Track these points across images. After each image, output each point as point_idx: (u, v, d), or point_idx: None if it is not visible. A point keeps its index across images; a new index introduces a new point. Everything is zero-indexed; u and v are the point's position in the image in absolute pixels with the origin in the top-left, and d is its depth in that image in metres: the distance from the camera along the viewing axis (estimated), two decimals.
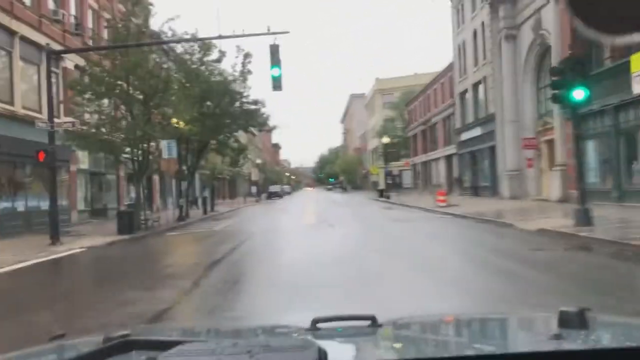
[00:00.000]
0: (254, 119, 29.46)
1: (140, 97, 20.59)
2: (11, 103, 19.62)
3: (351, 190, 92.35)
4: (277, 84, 16.76)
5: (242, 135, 41.12)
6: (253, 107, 29.47)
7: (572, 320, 1.41)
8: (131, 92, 20.17)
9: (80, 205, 26.05)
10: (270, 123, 31.37)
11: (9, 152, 18.83)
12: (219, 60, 27.62)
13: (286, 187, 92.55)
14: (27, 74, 20.86)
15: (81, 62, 22.12)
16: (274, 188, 73.83)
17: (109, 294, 7.60)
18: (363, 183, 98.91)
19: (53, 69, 22.82)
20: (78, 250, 15.33)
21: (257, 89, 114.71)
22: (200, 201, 35.93)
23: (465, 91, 38.31)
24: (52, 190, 16.91)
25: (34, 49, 20.59)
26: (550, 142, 26.75)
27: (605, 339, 1.53)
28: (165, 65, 23.93)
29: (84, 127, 19.48)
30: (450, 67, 42.37)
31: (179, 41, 22.04)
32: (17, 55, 20.05)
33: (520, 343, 1.65)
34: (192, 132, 25.57)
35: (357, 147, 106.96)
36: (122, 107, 20.90)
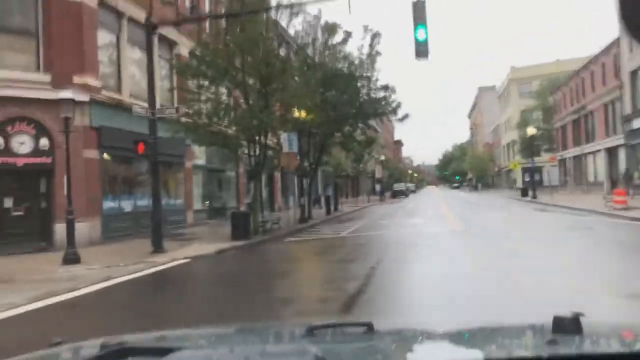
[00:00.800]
0: (383, 107, 25.70)
1: (257, 81, 17.78)
2: (118, 91, 17.62)
3: (482, 189, 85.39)
4: (422, 49, 12.81)
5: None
6: (382, 93, 25.81)
7: (567, 326, 1.40)
8: (246, 77, 17.39)
9: (197, 205, 24.00)
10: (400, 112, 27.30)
11: (114, 146, 16.73)
12: (344, 42, 24.40)
13: (411, 185, 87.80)
14: (135, 60, 18.81)
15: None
16: (398, 186, 69.67)
17: None
18: (495, 181, 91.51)
19: (165, 55, 20.91)
20: (181, 261, 12.66)
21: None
22: (323, 200, 33.02)
23: (639, 69, 31.54)
24: (154, 188, 14.40)
25: (143, 32, 18.45)
26: None
27: (600, 344, 1.49)
28: (283, 49, 21.05)
29: (195, 117, 16.94)
30: (614, 44, 35.51)
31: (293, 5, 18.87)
32: (125, 39, 18.05)
33: (515, 349, 1.57)
34: (314, 124, 22.44)
35: (487, 143, 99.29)
36: (237, 93, 18.21)
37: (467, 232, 16.85)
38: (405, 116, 25.89)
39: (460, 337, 1.81)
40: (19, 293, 8.74)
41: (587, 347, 1.40)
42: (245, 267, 11.93)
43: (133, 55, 18.72)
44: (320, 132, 25.04)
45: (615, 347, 1.48)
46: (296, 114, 20.02)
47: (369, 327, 1.53)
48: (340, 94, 24.12)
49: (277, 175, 32.92)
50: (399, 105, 25.53)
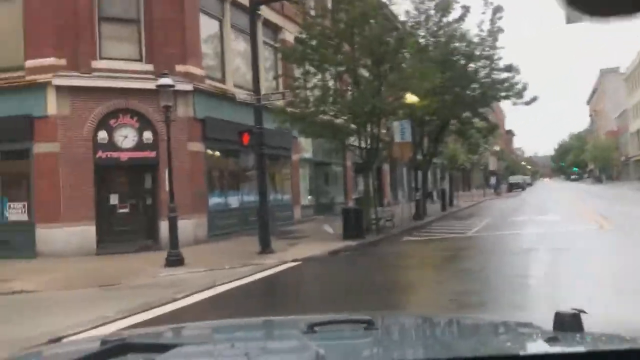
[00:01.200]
0: (507, 89, 22.88)
1: (368, 63, 16.07)
2: (222, 80, 16.62)
3: (606, 181, 77.87)
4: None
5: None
6: (505, 74, 23.02)
7: (568, 323, 1.37)
8: (356, 56, 15.74)
9: (304, 200, 22.77)
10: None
11: (219, 138, 15.68)
12: (461, 18, 21.92)
13: (527, 178, 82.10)
14: (239, 48, 17.73)
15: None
16: (514, 179, 65.03)
17: None
18: (621, 172, 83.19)
19: (270, 41, 19.78)
20: (290, 264, 11.33)
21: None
22: (435, 194, 30.71)
23: None
24: (261, 183, 13.15)
25: (247, 16, 17.34)
26: None
27: (601, 341, 1.47)
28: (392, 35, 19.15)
29: (302, 105, 15.56)
30: None
31: None
32: (228, 24, 17.01)
33: (516, 345, 1.52)
34: (429, 110, 20.24)
35: (611, 130, 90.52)
36: (346, 77, 16.58)
37: (623, 231, 13.99)
38: (534, 99, 22.93)
39: (461, 332, 1.78)
40: (113, 302, 7.72)
41: (587, 344, 1.37)
42: (364, 275, 10.20)
43: (237, 43, 17.67)
44: (435, 119, 22.80)
45: (615, 345, 1.41)
46: (410, 99, 18.01)
47: (370, 323, 1.49)
48: (458, 76, 21.71)
49: (386, 167, 31.01)
50: (525, 87, 22.64)
